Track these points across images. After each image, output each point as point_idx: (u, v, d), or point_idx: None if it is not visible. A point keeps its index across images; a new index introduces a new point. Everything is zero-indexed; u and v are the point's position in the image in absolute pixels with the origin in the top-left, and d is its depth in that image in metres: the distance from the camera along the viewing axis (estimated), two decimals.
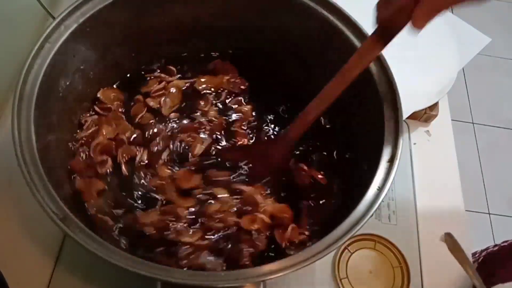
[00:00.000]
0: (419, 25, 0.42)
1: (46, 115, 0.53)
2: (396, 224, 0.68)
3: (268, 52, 0.70)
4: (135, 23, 0.63)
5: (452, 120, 0.81)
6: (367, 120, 0.58)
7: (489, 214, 1.64)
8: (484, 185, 1.69)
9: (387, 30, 0.47)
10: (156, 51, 0.71)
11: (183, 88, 0.69)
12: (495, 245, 0.90)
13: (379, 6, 0.46)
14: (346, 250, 0.64)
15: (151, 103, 0.66)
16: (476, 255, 0.93)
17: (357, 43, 0.57)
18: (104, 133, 0.62)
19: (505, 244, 0.87)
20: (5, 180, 0.64)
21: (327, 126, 0.69)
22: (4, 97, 0.70)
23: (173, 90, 0.68)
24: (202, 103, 0.68)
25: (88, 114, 0.64)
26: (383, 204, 0.70)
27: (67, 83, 0.58)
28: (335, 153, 0.66)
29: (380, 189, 0.48)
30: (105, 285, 0.59)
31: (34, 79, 0.50)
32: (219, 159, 0.62)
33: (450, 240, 0.61)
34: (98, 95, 0.65)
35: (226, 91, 0.70)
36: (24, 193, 0.44)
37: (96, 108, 0.64)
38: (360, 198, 0.48)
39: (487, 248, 0.90)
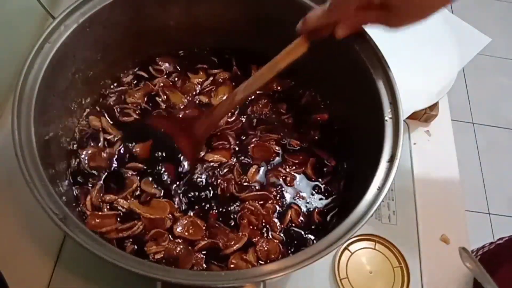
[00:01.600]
0: (340, 37, 0.52)
1: (46, 115, 0.53)
2: (396, 224, 0.68)
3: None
4: (135, 23, 0.63)
5: (452, 120, 0.81)
6: (367, 120, 0.58)
7: (489, 214, 1.64)
8: (484, 185, 1.69)
9: (313, 36, 0.54)
10: (157, 50, 0.71)
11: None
12: (491, 243, 0.90)
13: (303, 22, 0.53)
14: (346, 250, 0.64)
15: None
16: (473, 254, 0.92)
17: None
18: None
19: (501, 241, 0.87)
20: (5, 180, 0.64)
21: (327, 127, 0.69)
22: (4, 97, 0.70)
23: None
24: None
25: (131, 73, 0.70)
26: (383, 204, 0.70)
27: (67, 83, 0.58)
28: (335, 153, 0.66)
29: (380, 189, 0.48)
30: (105, 285, 0.59)
31: (34, 79, 0.50)
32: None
33: (465, 255, 0.60)
34: (157, 59, 0.71)
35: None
36: (24, 193, 0.44)
37: (151, 69, 0.70)
38: (360, 198, 0.48)
39: (483, 247, 0.90)
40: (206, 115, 0.63)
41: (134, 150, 0.63)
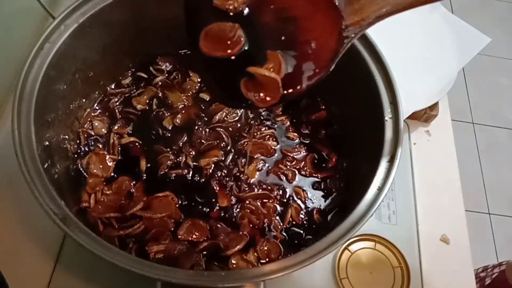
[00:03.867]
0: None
1: (46, 115, 0.53)
2: (396, 224, 0.68)
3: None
4: (135, 22, 0.63)
5: (452, 120, 0.81)
6: (367, 120, 0.58)
7: (489, 214, 1.64)
8: (484, 185, 1.69)
9: None
10: (157, 50, 0.71)
11: None
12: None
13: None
14: (346, 250, 0.64)
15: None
16: (488, 270, 0.91)
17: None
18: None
19: None
20: (5, 180, 0.64)
21: (328, 127, 0.69)
22: (4, 97, 0.70)
23: None
24: None
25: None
26: (383, 204, 0.70)
27: (67, 83, 0.58)
28: (336, 153, 0.66)
29: (380, 189, 0.48)
30: (105, 285, 0.59)
31: (34, 79, 0.50)
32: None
33: None
34: (157, 60, 0.72)
35: None
36: (24, 193, 0.44)
37: (151, 68, 0.71)
38: (360, 198, 0.48)
39: (500, 264, 0.89)
40: None
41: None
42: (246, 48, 0.41)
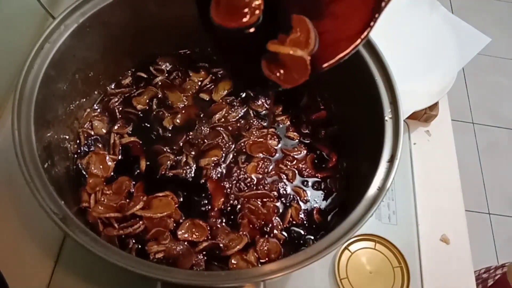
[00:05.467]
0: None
1: (46, 115, 0.53)
2: (396, 224, 0.68)
3: None
4: (135, 22, 0.63)
5: (452, 120, 0.81)
6: (367, 120, 0.58)
7: (489, 214, 1.64)
8: (484, 185, 1.69)
9: None
10: (157, 50, 0.71)
11: None
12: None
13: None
14: (346, 250, 0.64)
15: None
16: (491, 271, 0.91)
17: None
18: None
19: None
20: (5, 180, 0.64)
21: (328, 127, 0.69)
22: (4, 97, 0.70)
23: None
24: None
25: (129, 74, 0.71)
26: (383, 204, 0.70)
27: (67, 83, 0.58)
28: (336, 153, 0.66)
29: (380, 189, 0.48)
30: (105, 285, 0.59)
31: (34, 79, 0.50)
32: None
33: None
34: (157, 60, 0.71)
35: None
36: (24, 193, 0.44)
37: (151, 68, 0.71)
38: (360, 198, 0.48)
39: (502, 265, 0.88)
40: None
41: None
42: (265, 15, 0.34)
